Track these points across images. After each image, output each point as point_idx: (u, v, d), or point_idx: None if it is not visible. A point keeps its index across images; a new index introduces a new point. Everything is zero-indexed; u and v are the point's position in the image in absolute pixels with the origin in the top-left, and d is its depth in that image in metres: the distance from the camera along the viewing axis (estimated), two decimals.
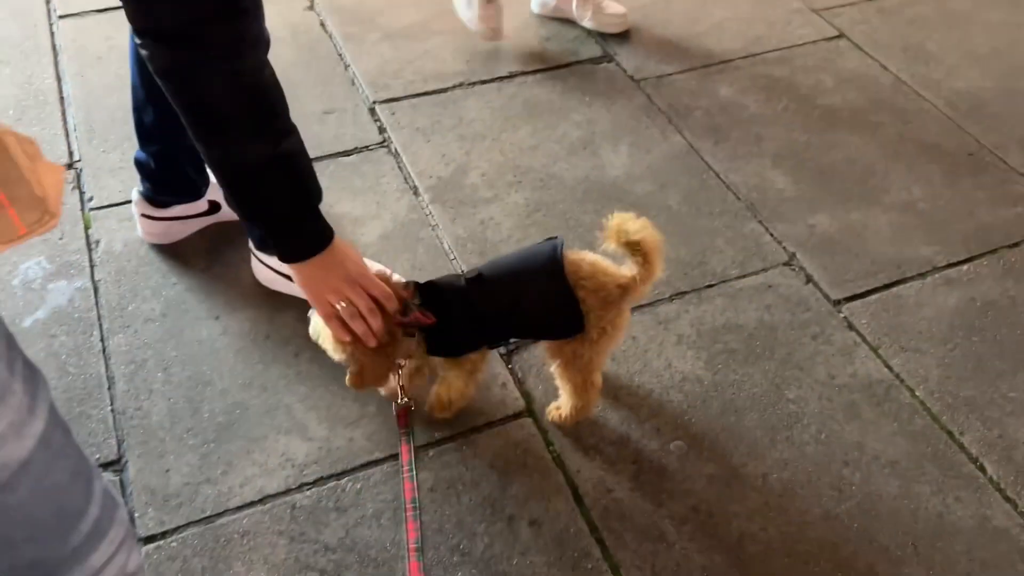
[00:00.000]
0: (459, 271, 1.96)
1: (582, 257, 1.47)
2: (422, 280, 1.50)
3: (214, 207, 2.00)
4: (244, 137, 1.13)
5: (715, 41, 2.71)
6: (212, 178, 1.98)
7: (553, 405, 1.67)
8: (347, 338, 1.39)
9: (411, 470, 1.42)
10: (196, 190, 1.95)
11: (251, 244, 1.87)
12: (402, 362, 1.54)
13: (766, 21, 2.80)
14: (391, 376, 1.53)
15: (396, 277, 1.50)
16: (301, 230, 1.29)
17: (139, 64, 1.73)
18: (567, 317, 1.45)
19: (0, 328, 0.74)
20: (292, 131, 1.21)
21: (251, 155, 1.15)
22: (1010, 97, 2.54)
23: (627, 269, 1.46)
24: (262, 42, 1.12)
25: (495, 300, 1.46)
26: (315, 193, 1.30)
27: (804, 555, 1.52)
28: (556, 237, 1.49)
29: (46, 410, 0.78)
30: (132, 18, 1.04)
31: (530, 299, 1.47)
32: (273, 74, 1.17)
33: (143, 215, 1.95)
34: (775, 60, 2.65)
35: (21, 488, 0.77)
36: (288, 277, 1.85)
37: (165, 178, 1.88)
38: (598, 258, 1.48)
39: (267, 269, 1.86)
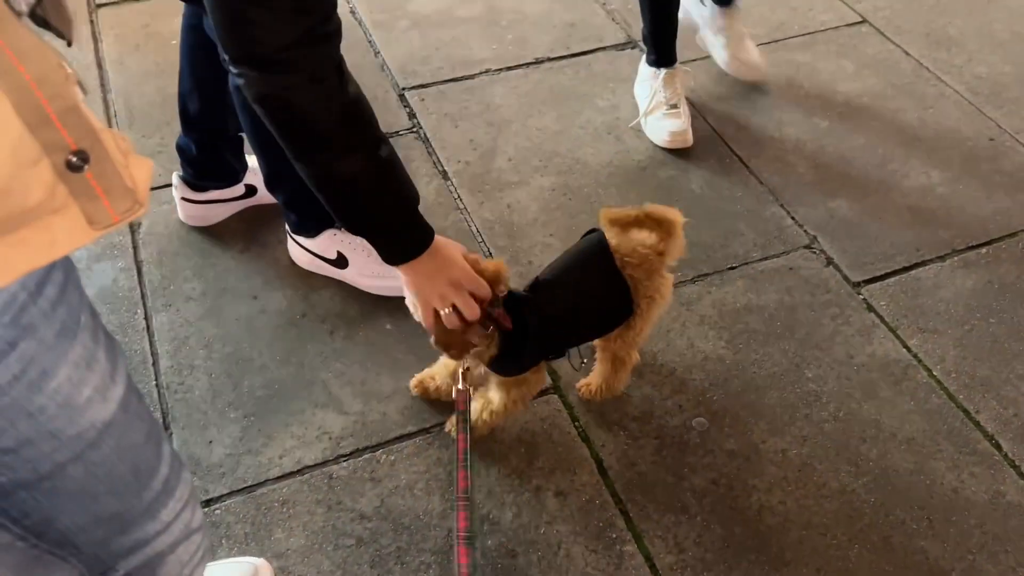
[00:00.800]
0: (486, 254, 2.02)
1: (617, 236, 1.52)
2: None
3: (251, 190, 2.07)
4: (341, 152, 1.17)
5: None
6: (250, 163, 2.05)
7: (584, 381, 1.73)
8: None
9: (466, 460, 1.38)
10: (235, 175, 2.02)
11: (287, 227, 1.94)
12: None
13: (789, 6, 2.83)
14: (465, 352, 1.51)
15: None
16: (402, 234, 1.32)
17: (189, 52, 1.80)
18: (622, 306, 1.51)
19: (85, 300, 0.81)
20: (384, 140, 1.25)
21: (349, 168, 1.20)
22: None
23: (655, 235, 1.52)
24: (343, 61, 1.18)
25: (558, 307, 1.49)
26: (413, 197, 1.33)
27: (821, 527, 1.57)
28: (595, 230, 1.54)
29: (124, 376, 0.86)
30: (226, 48, 1.09)
31: (590, 298, 1.51)
32: (358, 88, 1.21)
33: (183, 198, 2.02)
34: (797, 45, 2.68)
35: (104, 445, 0.84)
36: (324, 258, 1.92)
37: (206, 164, 1.96)
38: (631, 231, 1.52)
39: (303, 251, 1.93)
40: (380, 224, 1.31)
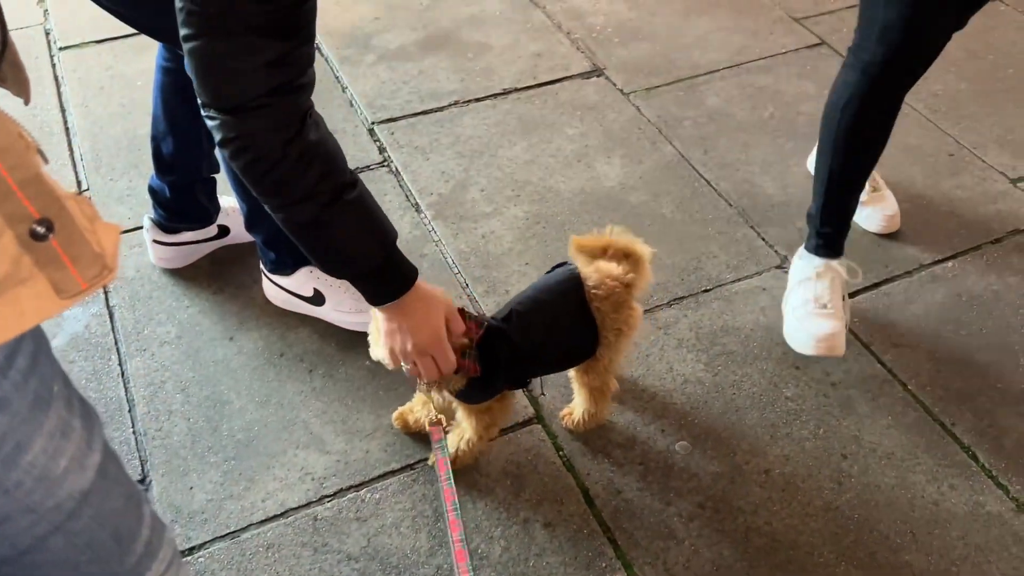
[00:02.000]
0: (463, 285, 2.02)
1: (586, 267, 1.54)
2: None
3: (224, 231, 2.06)
4: (301, 196, 1.19)
5: (700, 53, 2.80)
6: (223, 204, 2.04)
7: (566, 409, 1.73)
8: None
9: (448, 478, 1.45)
10: (208, 217, 2.01)
11: (263, 266, 1.93)
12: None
13: (749, 31, 2.89)
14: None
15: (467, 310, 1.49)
16: (378, 274, 1.31)
17: (163, 95, 1.79)
18: (588, 341, 1.52)
19: (57, 368, 0.79)
20: (351, 183, 1.23)
21: (311, 212, 1.20)
22: (985, 98, 2.63)
23: (622, 267, 1.53)
24: (311, 109, 1.19)
25: (530, 340, 1.49)
26: (386, 237, 1.30)
27: (808, 546, 1.58)
28: (566, 263, 1.55)
29: (101, 442, 0.84)
30: (200, 93, 1.12)
31: (560, 332, 1.52)
32: (325, 133, 1.22)
33: (155, 241, 2.00)
34: (759, 69, 2.73)
35: (84, 515, 0.82)
36: (300, 296, 1.91)
37: (179, 206, 1.94)
38: (598, 263, 1.54)
39: (279, 289, 1.92)
40: (356, 267, 1.31)
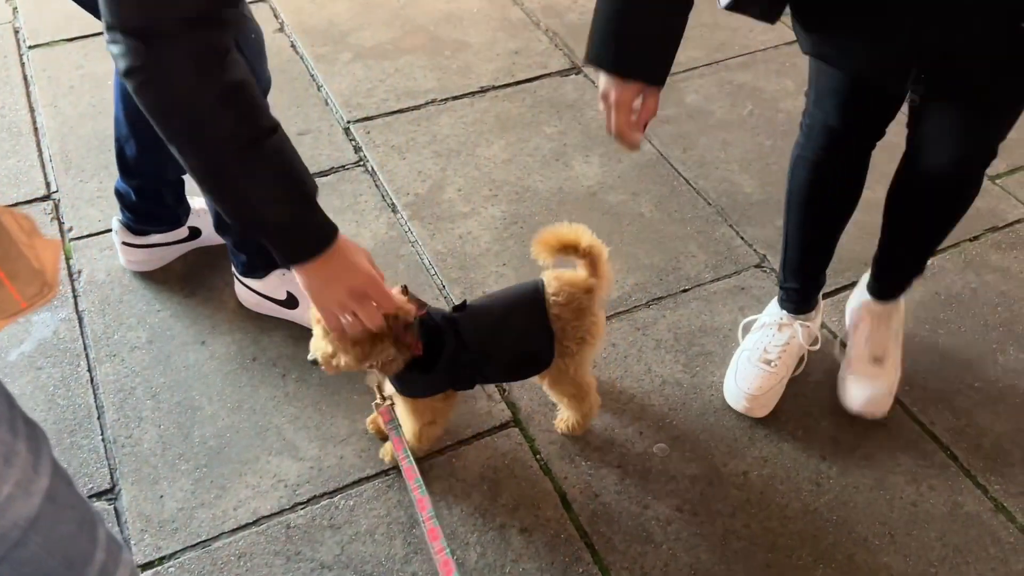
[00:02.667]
0: (439, 287, 2.00)
1: (547, 276, 1.49)
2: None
3: (195, 232, 2.02)
4: (219, 139, 1.08)
5: (679, 50, 2.77)
6: (193, 205, 2.01)
7: (559, 418, 1.71)
8: (343, 340, 1.34)
9: (407, 455, 1.39)
10: (177, 219, 1.98)
11: (234, 269, 1.89)
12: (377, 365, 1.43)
13: (728, 28, 2.87)
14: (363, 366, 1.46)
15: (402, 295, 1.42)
16: (297, 230, 1.21)
17: (124, 98, 1.75)
18: (544, 348, 1.48)
19: (0, 389, 0.76)
20: (272, 128, 1.14)
21: (227, 156, 1.10)
22: None
23: (583, 272, 1.49)
24: (233, 49, 1.11)
25: (479, 332, 1.46)
26: (306, 188, 1.20)
27: (786, 548, 1.57)
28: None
29: (49, 465, 0.81)
30: (114, 12, 1.01)
31: (512, 336, 1.49)
32: (247, 74, 1.11)
33: (124, 243, 1.97)
34: (738, 66, 2.72)
35: (32, 543, 0.79)
36: (272, 299, 1.88)
37: (146, 208, 1.91)
38: (559, 271, 1.49)
39: (251, 292, 1.89)
40: (271, 220, 1.19)
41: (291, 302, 1.88)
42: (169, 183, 1.91)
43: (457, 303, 1.49)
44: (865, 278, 1.86)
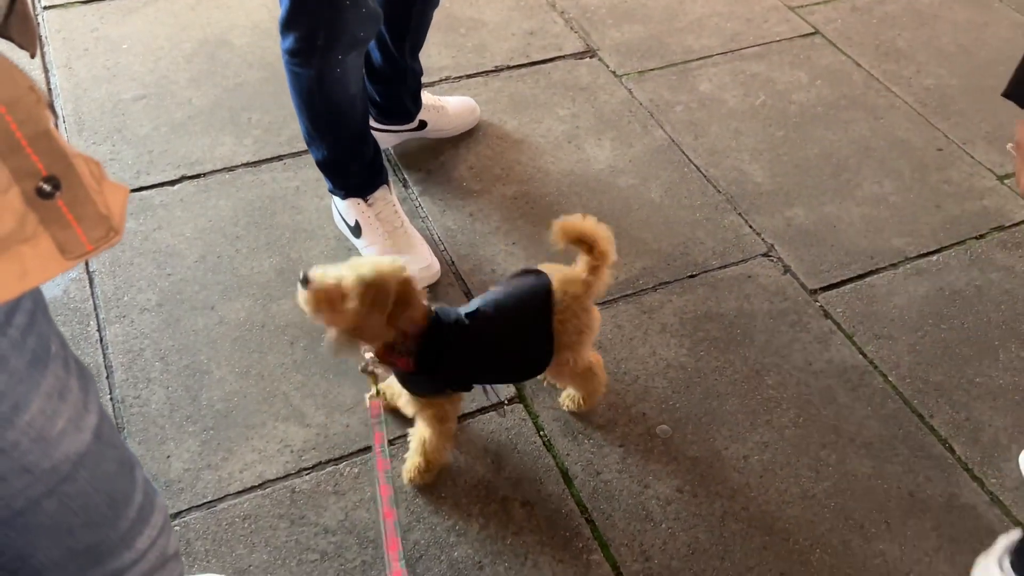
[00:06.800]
0: (449, 262, 2.01)
1: (559, 275, 1.48)
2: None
3: (422, 124, 2.28)
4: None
5: (694, 38, 2.78)
6: (425, 101, 2.26)
7: (565, 395, 1.72)
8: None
9: (383, 449, 1.36)
10: (409, 116, 2.25)
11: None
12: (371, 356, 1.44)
13: (743, 18, 2.88)
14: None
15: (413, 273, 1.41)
16: None
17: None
18: (543, 355, 1.48)
19: (53, 327, 0.78)
20: None
21: None
22: (976, 94, 2.63)
23: (580, 267, 1.49)
24: None
25: (484, 345, 1.46)
26: None
27: (783, 532, 1.59)
28: (541, 273, 1.48)
29: (97, 404, 0.83)
30: None
31: (517, 344, 1.48)
32: None
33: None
34: (752, 56, 2.72)
35: (79, 478, 0.81)
36: (346, 223, 2.02)
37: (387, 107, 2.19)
38: (558, 269, 1.49)
39: (335, 210, 2.05)
40: None
41: (356, 230, 1.99)
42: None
43: (469, 310, 1.45)
44: None
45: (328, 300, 1.29)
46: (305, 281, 1.30)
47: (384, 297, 1.30)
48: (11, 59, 0.61)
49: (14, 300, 0.70)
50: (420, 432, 1.55)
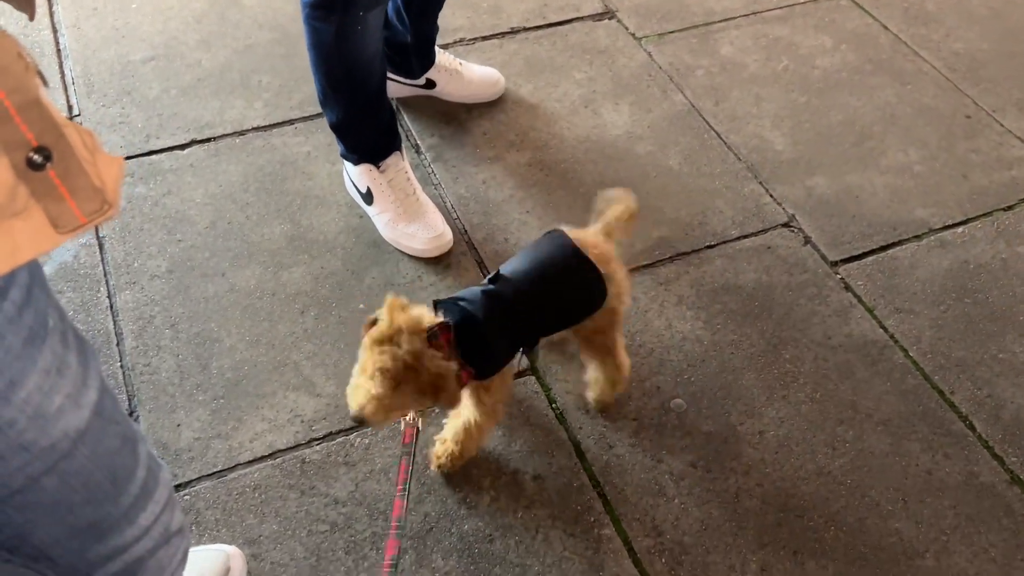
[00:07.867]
0: (462, 231, 1.98)
1: (575, 233, 1.45)
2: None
3: (430, 84, 2.25)
4: None
5: (714, 0, 2.71)
6: (440, 61, 2.23)
7: (590, 389, 1.66)
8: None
9: (405, 489, 1.33)
10: (412, 72, 2.22)
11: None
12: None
13: None
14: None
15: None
16: None
17: None
18: (595, 290, 1.43)
19: (52, 301, 0.76)
20: None
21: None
22: (1008, 59, 2.55)
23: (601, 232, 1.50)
24: None
25: (526, 298, 1.40)
26: None
27: (798, 509, 1.57)
28: (552, 230, 1.46)
29: (97, 379, 0.81)
30: None
31: (561, 286, 1.43)
32: None
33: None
34: (776, 19, 2.65)
35: (79, 455, 0.80)
36: (357, 189, 1.98)
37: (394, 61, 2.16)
38: (580, 230, 1.47)
39: (347, 176, 2.02)
40: None
41: (368, 197, 1.96)
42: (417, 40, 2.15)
43: (491, 275, 1.41)
44: None
45: (385, 410, 1.27)
46: (360, 421, 1.29)
47: (406, 368, 1.25)
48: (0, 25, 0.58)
49: (8, 275, 0.68)
50: (466, 416, 1.48)
